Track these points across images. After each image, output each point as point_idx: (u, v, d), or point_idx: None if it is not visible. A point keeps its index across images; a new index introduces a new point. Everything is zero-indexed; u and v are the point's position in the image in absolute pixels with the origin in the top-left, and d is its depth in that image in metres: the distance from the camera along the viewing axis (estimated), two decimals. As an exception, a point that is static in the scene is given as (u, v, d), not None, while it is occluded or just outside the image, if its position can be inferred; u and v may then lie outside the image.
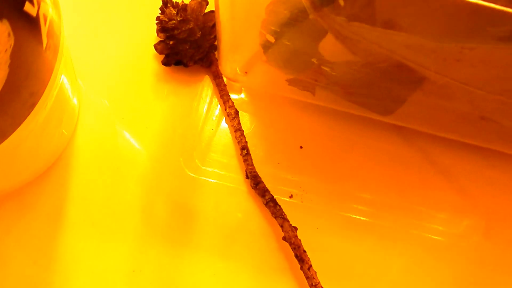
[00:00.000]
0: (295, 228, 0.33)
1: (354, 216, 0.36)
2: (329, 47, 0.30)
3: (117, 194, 0.36)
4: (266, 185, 0.35)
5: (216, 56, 0.39)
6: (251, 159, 0.36)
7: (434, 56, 0.27)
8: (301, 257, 0.32)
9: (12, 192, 0.35)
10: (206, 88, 0.39)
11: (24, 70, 0.24)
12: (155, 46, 0.39)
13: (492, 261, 0.35)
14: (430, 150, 0.38)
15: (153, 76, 0.39)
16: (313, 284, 0.32)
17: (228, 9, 0.30)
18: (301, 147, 0.38)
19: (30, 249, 0.34)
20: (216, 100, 0.39)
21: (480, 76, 0.28)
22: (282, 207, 0.34)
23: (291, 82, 0.35)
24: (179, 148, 0.37)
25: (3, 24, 0.21)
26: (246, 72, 0.37)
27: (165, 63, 0.39)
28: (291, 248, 0.33)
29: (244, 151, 0.36)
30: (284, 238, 0.33)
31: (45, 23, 0.24)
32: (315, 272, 0.32)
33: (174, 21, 0.37)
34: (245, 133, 0.37)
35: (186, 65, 0.39)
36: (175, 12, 0.37)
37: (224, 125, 0.38)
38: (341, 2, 0.26)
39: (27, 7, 0.22)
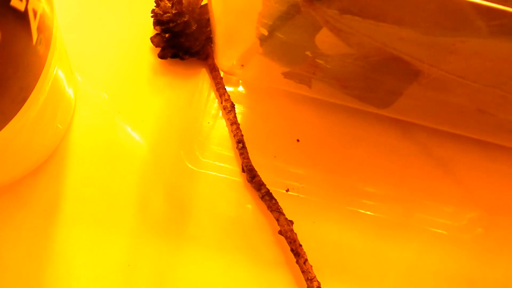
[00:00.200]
0: (291, 222, 0.33)
1: (351, 209, 0.36)
2: (324, 40, 0.30)
3: (113, 188, 0.36)
4: (263, 179, 0.35)
5: (212, 48, 0.39)
6: (247, 153, 0.36)
7: (427, 48, 0.27)
8: (296, 251, 0.32)
9: (6, 187, 0.35)
10: (203, 81, 0.39)
11: (13, 64, 0.23)
12: (151, 39, 0.39)
13: (494, 254, 0.35)
14: (429, 143, 0.38)
15: (150, 69, 0.39)
16: (309, 278, 0.32)
17: (221, 1, 0.30)
18: (298, 140, 0.37)
19: (25, 244, 0.34)
20: (214, 93, 0.39)
21: (474, 69, 0.28)
22: (278, 200, 0.34)
23: (286, 75, 0.35)
24: (178, 141, 0.37)
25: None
26: (242, 65, 0.36)
27: (161, 56, 0.38)
28: (287, 242, 0.33)
29: (240, 144, 0.36)
30: (280, 232, 0.33)
31: (35, 17, 0.24)
32: (311, 266, 0.32)
33: (169, 14, 0.37)
34: (241, 126, 0.37)
35: (182, 58, 0.38)
36: (170, 5, 0.37)
37: (221, 118, 0.38)
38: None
39: (14, 2, 0.22)
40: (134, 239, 0.34)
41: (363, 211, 0.36)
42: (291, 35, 0.31)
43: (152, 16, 0.38)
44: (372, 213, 0.36)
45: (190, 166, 0.36)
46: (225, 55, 0.36)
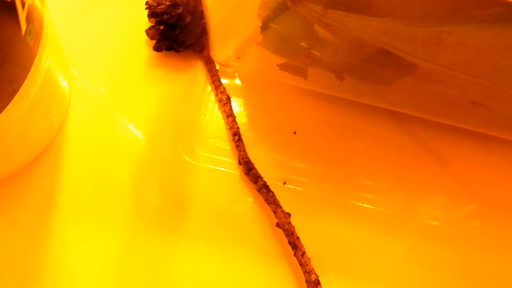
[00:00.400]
0: (288, 215, 0.33)
1: (348, 202, 0.36)
2: (319, 31, 0.30)
3: (109, 181, 0.35)
4: (259, 171, 0.35)
5: (208, 41, 0.38)
6: (243, 145, 0.35)
7: (413, 41, 0.27)
8: (294, 244, 0.32)
9: (1, 180, 0.35)
10: (199, 73, 0.39)
11: (1, 56, 0.23)
12: (146, 31, 0.38)
13: (491, 247, 0.35)
14: (426, 136, 0.37)
15: (145, 62, 0.39)
16: (307, 270, 0.32)
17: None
18: (294, 132, 0.37)
19: (20, 238, 0.33)
20: (209, 85, 0.38)
21: (462, 60, 0.27)
22: (275, 193, 0.34)
23: (282, 67, 0.34)
24: (175, 134, 0.37)
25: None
26: (238, 57, 0.36)
27: (156, 48, 0.38)
28: (285, 235, 0.33)
29: (236, 137, 0.36)
30: (277, 225, 0.33)
31: (23, 7, 0.24)
32: (309, 259, 0.32)
33: (163, 6, 0.37)
34: (237, 118, 0.36)
35: (177, 51, 0.38)
36: (164, -4, 0.37)
37: (218, 111, 0.38)
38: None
39: (1, -8, 0.22)
40: (130, 232, 0.34)
41: (360, 204, 0.35)
42: (286, 26, 0.31)
43: (146, 8, 0.38)
44: (369, 206, 0.35)
45: (187, 159, 0.36)
46: (220, 47, 0.36)
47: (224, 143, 0.37)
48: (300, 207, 0.35)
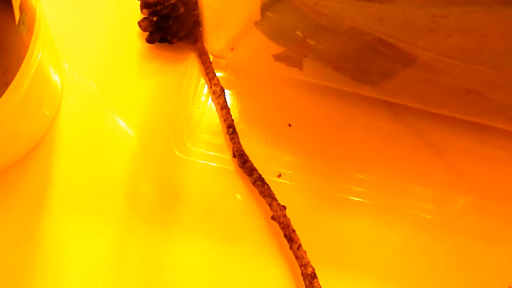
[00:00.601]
0: (284, 207, 0.33)
1: (344, 195, 0.35)
2: (315, 20, 0.29)
3: (102, 175, 0.35)
4: (254, 164, 0.34)
5: (201, 32, 0.38)
6: (238, 138, 0.35)
7: (407, 28, 0.26)
8: (290, 237, 0.32)
9: (-7, 175, 0.34)
10: (192, 65, 0.39)
11: (-6, 45, 0.23)
12: (139, 23, 0.38)
13: (488, 239, 0.35)
14: (423, 128, 0.37)
15: (138, 54, 0.39)
16: (303, 263, 0.31)
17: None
18: (289, 125, 0.37)
19: (13, 233, 0.33)
20: (203, 78, 0.38)
21: (457, 47, 0.27)
22: (270, 186, 0.34)
23: (277, 58, 0.34)
24: (168, 128, 0.37)
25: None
26: (232, 49, 0.36)
27: (149, 40, 0.38)
28: (280, 228, 0.32)
29: (231, 129, 0.35)
30: (272, 217, 0.33)
31: (17, -4, 0.24)
32: (305, 252, 0.32)
33: (156, -4, 0.36)
34: (231, 111, 0.36)
35: (170, 42, 0.38)
36: (157, -13, 0.36)
37: (211, 103, 0.37)
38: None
39: (-6, -21, 0.21)
40: (124, 226, 0.34)
41: (356, 196, 0.35)
42: (281, 14, 0.31)
43: (138, -1, 0.37)
44: (366, 200, 0.35)
45: (178, 154, 0.36)
46: (214, 38, 0.35)
47: (217, 138, 0.36)
48: (296, 200, 0.35)
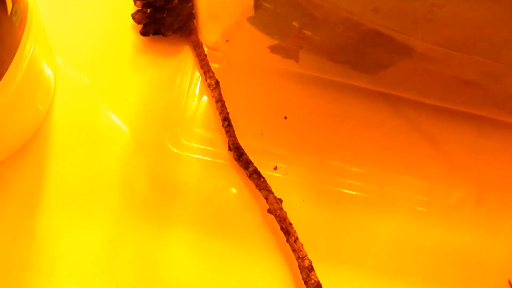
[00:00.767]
0: (280, 201, 0.33)
1: (341, 188, 0.35)
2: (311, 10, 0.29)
3: (96, 170, 0.35)
4: (250, 157, 0.34)
5: (196, 24, 0.38)
6: (233, 131, 0.35)
7: (403, 17, 0.26)
8: (287, 230, 0.32)
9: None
10: (187, 58, 0.38)
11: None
12: (132, 15, 0.38)
13: (484, 231, 0.35)
14: (419, 120, 0.37)
15: (132, 47, 0.38)
16: (300, 256, 0.31)
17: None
18: (285, 117, 0.37)
19: (8, 227, 0.33)
20: (198, 70, 0.38)
21: (455, 37, 0.27)
22: (266, 179, 0.33)
23: (273, 49, 0.34)
24: (162, 122, 0.36)
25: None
26: (227, 41, 0.36)
27: (143, 33, 0.37)
28: (277, 221, 0.32)
29: (226, 122, 0.35)
30: (269, 211, 0.33)
31: (9, -14, 0.23)
32: (302, 245, 0.32)
33: (150, -12, 0.36)
34: (227, 104, 0.36)
35: (164, 35, 0.37)
36: (151, -22, 0.36)
37: (206, 96, 0.37)
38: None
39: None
40: (119, 221, 0.34)
41: (353, 189, 0.35)
42: (278, 5, 0.30)
43: (132, -9, 0.37)
44: (362, 192, 0.35)
45: (173, 149, 0.36)
46: (208, 30, 0.35)
47: (213, 131, 0.36)
48: (292, 193, 0.35)
